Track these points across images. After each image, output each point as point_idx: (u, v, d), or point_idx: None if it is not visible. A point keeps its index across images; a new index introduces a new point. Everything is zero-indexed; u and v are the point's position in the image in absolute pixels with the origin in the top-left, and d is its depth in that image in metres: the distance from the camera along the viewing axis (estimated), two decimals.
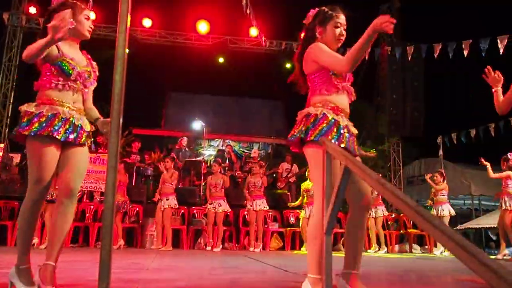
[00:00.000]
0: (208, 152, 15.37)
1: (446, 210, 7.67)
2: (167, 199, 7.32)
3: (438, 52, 9.38)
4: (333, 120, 2.15)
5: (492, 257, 6.36)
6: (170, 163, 7.62)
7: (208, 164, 9.84)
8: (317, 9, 2.36)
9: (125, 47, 1.34)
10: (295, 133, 2.21)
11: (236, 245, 7.95)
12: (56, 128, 2.19)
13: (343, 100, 2.27)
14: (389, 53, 11.29)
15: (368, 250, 7.92)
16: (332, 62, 2.17)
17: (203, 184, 8.85)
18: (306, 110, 2.24)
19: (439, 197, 7.83)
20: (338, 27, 2.29)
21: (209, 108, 16.05)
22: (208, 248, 7.32)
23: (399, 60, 11.60)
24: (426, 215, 0.86)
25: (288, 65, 13.50)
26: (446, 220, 7.59)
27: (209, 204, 7.49)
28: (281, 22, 13.12)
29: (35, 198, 2.18)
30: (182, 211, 8.16)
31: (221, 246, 7.37)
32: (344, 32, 2.32)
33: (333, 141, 2.08)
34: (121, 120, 1.27)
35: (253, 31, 12.13)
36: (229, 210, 7.61)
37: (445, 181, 7.91)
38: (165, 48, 13.02)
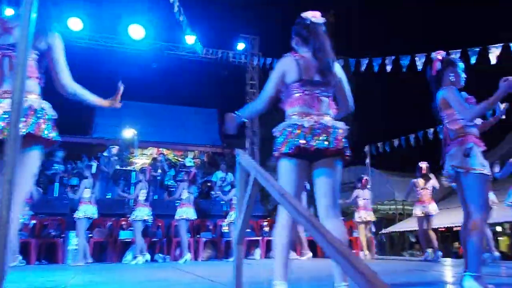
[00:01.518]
0: (142, 161, 14.97)
1: (363, 217, 8.00)
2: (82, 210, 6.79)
3: (365, 66, 9.89)
4: None
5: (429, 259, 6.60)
6: (85, 172, 7.27)
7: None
8: None
9: (27, 52, 1.28)
10: None
11: (167, 256, 7.75)
12: None
13: None
14: None
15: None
16: None
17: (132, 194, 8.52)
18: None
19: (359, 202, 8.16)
20: None
21: (142, 115, 15.68)
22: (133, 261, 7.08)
23: None
24: (315, 223, 0.92)
25: (225, 73, 13.58)
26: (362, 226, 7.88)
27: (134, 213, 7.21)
28: (218, 31, 13.23)
29: None
30: (110, 222, 7.82)
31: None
32: None
33: None
34: (19, 131, 1.21)
35: (190, 39, 12.05)
36: (150, 220, 7.33)
37: (361, 186, 8.17)
38: (96, 52, 12.53)
